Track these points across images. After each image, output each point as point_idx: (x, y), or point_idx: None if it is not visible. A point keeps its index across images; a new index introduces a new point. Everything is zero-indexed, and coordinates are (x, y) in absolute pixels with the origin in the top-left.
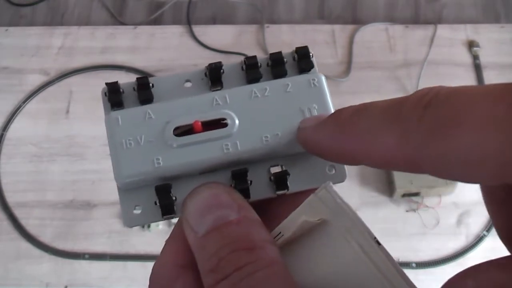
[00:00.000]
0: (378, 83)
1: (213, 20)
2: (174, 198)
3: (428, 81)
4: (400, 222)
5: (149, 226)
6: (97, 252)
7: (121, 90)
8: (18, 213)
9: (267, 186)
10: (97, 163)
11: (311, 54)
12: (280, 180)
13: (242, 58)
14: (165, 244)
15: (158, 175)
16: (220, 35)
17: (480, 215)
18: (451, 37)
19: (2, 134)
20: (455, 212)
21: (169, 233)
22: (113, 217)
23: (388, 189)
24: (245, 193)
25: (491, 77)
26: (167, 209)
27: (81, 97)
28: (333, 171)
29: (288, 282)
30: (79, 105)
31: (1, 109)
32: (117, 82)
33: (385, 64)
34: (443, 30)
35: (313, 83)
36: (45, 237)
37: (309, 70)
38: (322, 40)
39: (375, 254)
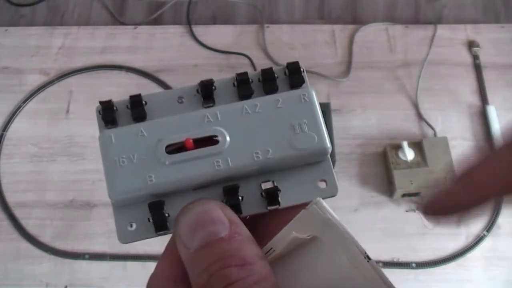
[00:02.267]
0: (378, 83)
1: (213, 20)
2: (167, 214)
3: (428, 81)
4: (400, 222)
5: None
6: (97, 252)
7: (115, 108)
8: (18, 213)
9: (259, 202)
10: (97, 163)
11: (302, 69)
12: (271, 196)
13: (233, 74)
14: (160, 259)
15: (151, 191)
16: (220, 35)
17: (480, 215)
18: (451, 37)
19: (2, 134)
20: None
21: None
22: (113, 217)
23: (388, 189)
24: (237, 208)
25: (491, 77)
26: (160, 225)
27: (81, 97)
28: (324, 185)
29: None
30: (79, 105)
31: (1, 109)
32: (110, 100)
33: (385, 64)
34: (443, 30)
35: (304, 98)
36: (45, 237)
37: (301, 85)
38: (322, 40)
39: (365, 269)
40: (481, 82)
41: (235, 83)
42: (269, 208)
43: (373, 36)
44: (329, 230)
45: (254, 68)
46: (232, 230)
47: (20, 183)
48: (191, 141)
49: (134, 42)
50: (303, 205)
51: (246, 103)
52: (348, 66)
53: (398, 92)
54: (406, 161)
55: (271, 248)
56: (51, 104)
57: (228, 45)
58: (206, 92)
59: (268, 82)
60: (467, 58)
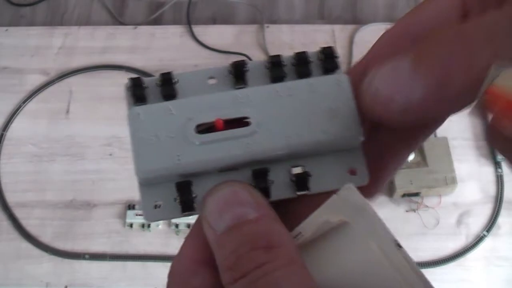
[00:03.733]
0: None
1: (213, 20)
2: (194, 195)
3: None
4: (400, 222)
5: (149, 226)
6: (97, 252)
7: (144, 85)
8: (18, 213)
9: (288, 186)
10: (97, 163)
11: (336, 55)
12: (301, 181)
13: (265, 56)
14: (184, 240)
15: (178, 171)
16: (220, 35)
17: (480, 215)
18: None
19: (2, 134)
20: (455, 212)
21: (169, 233)
22: (113, 217)
23: (388, 189)
24: (266, 192)
25: None
26: (187, 205)
27: (81, 97)
28: (355, 173)
29: (306, 281)
30: (79, 105)
31: (1, 109)
32: (140, 77)
33: None
34: None
35: (339, 83)
36: (45, 237)
37: (334, 71)
38: (322, 40)
39: (395, 256)
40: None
41: (268, 65)
42: (298, 193)
43: (373, 36)
44: (360, 216)
45: None
46: (260, 213)
47: (20, 183)
48: (221, 121)
49: (134, 42)
50: (333, 191)
51: (278, 86)
52: (348, 66)
53: None
54: (406, 161)
55: (300, 233)
56: (51, 104)
57: (228, 45)
58: (238, 73)
59: (302, 65)
60: None
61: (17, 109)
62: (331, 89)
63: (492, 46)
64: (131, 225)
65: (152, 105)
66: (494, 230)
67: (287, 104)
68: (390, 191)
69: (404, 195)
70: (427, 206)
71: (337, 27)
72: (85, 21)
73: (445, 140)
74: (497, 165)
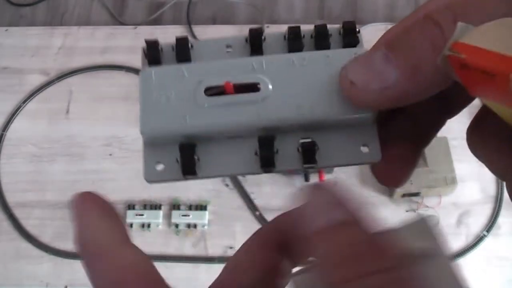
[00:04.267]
0: None
1: (213, 20)
2: (197, 158)
3: None
4: (400, 222)
5: (149, 226)
6: None
7: (160, 48)
8: (18, 213)
9: (295, 158)
10: (97, 163)
11: (358, 30)
12: (308, 152)
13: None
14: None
15: (184, 132)
16: (220, 35)
17: (480, 215)
18: None
19: (2, 134)
20: (455, 212)
21: (169, 233)
22: None
23: (388, 189)
24: (270, 161)
25: None
26: (188, 168)
27: (81, 97)
28: (367, 150)
29: None
30: (79, 105)
31: (1, 109)
32: (157, 40)
33: None
34: None
35: (355, 56)
36: (45, 237)
37: (354, 46)
38: None
39: None
40: None
41: (286, 36)
42: (304, 166)
43: (373, 36)
44: (433, 253)
45: None
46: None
47: (20, 183)
48: (231, 85)
49: (134, 42)
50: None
51: (294, 55)
52: None
53: None
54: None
55: None
56: (51, 104)
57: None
58: (255, 41)
59: (321, 38)
60: None
61: (17, 109)
62: (347, 61)
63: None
64: (131, 225)
65: (165, 66)
66: (494, 230)
67: (301, 74)
68: (390, 191)
69: (404, 195)
70: (427, 206)
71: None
72: (85, 21)
73: (445, 140)
74: None
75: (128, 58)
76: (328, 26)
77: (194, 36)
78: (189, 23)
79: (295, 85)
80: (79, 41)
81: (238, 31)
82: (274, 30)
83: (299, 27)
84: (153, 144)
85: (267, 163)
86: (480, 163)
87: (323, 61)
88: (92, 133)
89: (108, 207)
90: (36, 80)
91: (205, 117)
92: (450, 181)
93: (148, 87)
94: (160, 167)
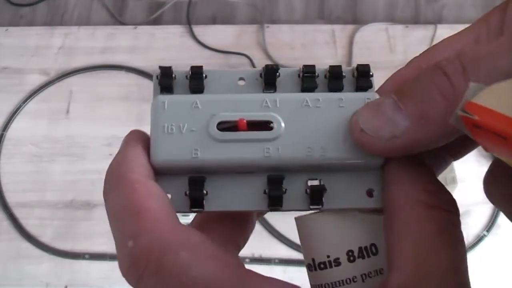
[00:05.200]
0: (378, 83)
1: (213, 20)
2: (205, 192)
3: None
4: None
5: None
6: (97, 252)
7: (173, 76)
8: (18, 213)
9: (302, 199)
10: (97, 163)
11: (371, 73)
12: (315, 195)
13: (301, 66)
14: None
15: (194, 165)
16: (220, 35)
17: (480, 215)
18: None
19: (2, 134)
20: None
21: None
22: None
23: None
24: (278, 201)
25: None
26: (196, 202)
27: (81, 97)
28: (372, 195)
29: None
30: (79, 105)
31: (1, 109)
32: (171, 67)
33: (385, 64)
34: (443, 30)
35: (367, 102)
36: (45, 237)
37: (366, 90)
38: (322, 40)
39: None
40: None
41: (301, 74)
42: (311, 207)
43: (373, 36)
44: None
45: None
46: None
47: (20, 183)
48: (244, 121)
49: (134, 42)
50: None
51: (308, 96)
52: (348, 66)
53: None
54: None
55: None
56: (51, 104)
57: (228, 45)
58: (270, 77)
59: (335, 79)
60: None
61: (17, 109)
62: (360, 106)
63: (466, 76)
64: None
65: (178, 95)
66: (494, 230)
67: (314, 116)
68: None
69: None
70: None
71: (337, 27)
72: (85, 21)
73: None
74: None
75: (128, 58)
76: (343, 67)
77: (194, 36)
78: (189, 23)
79: (307, 126)
80: (79, 41)
81: (238, 31)
82: (289, 68)
83: (314, 66)
84: (162, 174)
85: (275, 203)
86: (480, 163)
87: (336, 104)
88: (92, 133)
89: (146, 145)
90: (36, 80)
91: (217, 152)
92: (450, 181)
93: (160, 116)
94: (168, 197)
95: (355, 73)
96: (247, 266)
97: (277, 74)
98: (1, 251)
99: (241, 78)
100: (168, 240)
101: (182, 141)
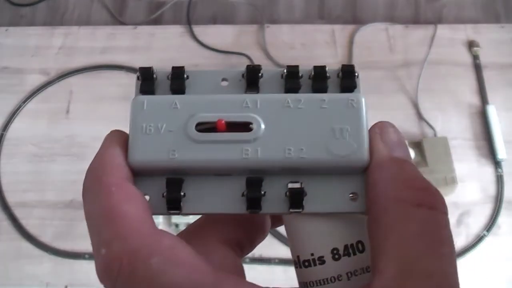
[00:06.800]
0: (378, 83)
1: (213, 20)
2: (183, 194)
3: (428, 81)
4: None
5: None
6: None
7: (155, 77)
8: (18, 213)
9: (281, 202)
10: None
11: (356, 74)
12: (295, 198)
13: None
14: (109, 146)
15: (171, 166)
16: (220, 35)
17: (480, 215)
18: (451, 37)
19: (2, 134)
20: (455, 212)
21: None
22: None
23: None
24: (257, 203)
25: (491, 77)
26: (173, 203)
27: (81, 97)
28: (355, 199)
29: None
30: (79, 105)
31: (1, 109)
32: (151, 67)
33: (385, 64)
34: (443, 30)
35: (352, 103)
36: (45, 237)
37: (352, 90)
38: (322, 40)
39: None
40: (481, 82)
41: (284, 75)
42: (291, 210)
43: (373, 36)
44: None
45: None
46: None
47: (20, 183)
48: (223, 122)
49: (134, 42)
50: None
51: (289, 96)
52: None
53: (398, 92)
54: None
55: None
56: (51, 104)
57: (228, 45)
58: (252, 78)
59: (319, 80)
60: (467, 58)
61: (17, 109)
62: (343, 108)
63: None
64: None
65: (158, 96)
66: (494, 230)
67: (294, 117)
68: None
69: None
70: None
71: (337, 27)
72: (85, 21)
73: (445, 140)
74: (497, 165)
75: (128, 58)
76: (327, 67)
77: (194, 36)
78: (189, 23)
79: (287, 128)
80: (79, 41)
81: (238, 31)
82: (272, 68)
83: (297, 66)
84: (139, 175)
85: (253, 205)
86: (480, 163)
87: (318, 105)
88: (92, 133)
89: (126, 145)
90: (36, 80)
91: (195, 153)
92: (450, 181)
93: (139, 116)
94: (146, 198)
95: (340, 74)
96: (247, 266)
97: (260, 74)
98: (1, 251)
99: (224, 79)
100: (140, 247)
101: (160, 141)
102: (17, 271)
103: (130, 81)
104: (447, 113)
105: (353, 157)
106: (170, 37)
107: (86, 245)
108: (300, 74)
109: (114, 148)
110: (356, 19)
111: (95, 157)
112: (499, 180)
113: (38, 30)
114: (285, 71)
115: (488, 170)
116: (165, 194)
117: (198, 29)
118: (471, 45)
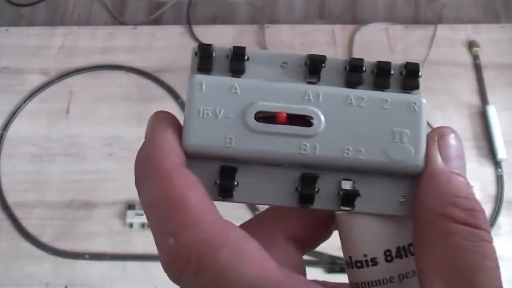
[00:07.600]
0: None
1: (213, 20)
2: (236, 183)
3: (428, 81)
4: None
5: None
6: (97, 252)
7: (214, 55)
8: (18, 213)
9: (333, 199)
10: (97, 163)
11: (420, 74)
12: (348, 198)
13: (347, 57)
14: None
15: (227, 154)
16: (220, 35)
17: None
18: (451, 37)
19: (2, 134)
20: None
21: None
22: (113, 217)
23: None
24: (310, 199)
25: (491, 77)
26: (225, 191)
27: (81, 97)
28: (404, 202)
29: None
30: (79, 105)
31: (1, 109)
32: (211, 44)
33: None
34: (443, 30)
35: (414, 107)
36: (45, 237)
37: (413, 90)
38: (322, 40)
39: None
40: (481, 82)
41: (347, 67)
42: (341, 208)
43: (373, 36)
44: None
45: None
46: None
47: (20, 183)
48: (285, 115)
49: (134, 42)
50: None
51: (352, 92)
52: None
53: None
54: None
55: None
56: (51, 104)
57: (228, 45)
58: (314, 67)
59: (382, 76)
60: (467, 58)
61: (17, 109)
62: (405, 110)
63: None
64: (131, 225)
65: (217, 77)
66: (494, 230)
67: (355, 115)
68: None
69: None
70: None
71: (337, 27)
72: (85, 21)
73: None
74: (497, 165)
75: (128, 58)
76: (392, 63)
77: (194, 36)
78: (189, 23)
79: (347, 126)
80: (79, 41)
81: (238, 31)
82: (336, 58)
83: (362, 60)
84: (192, 158)
85: (305, 201)
86: (480, 163)
87: (380, 104)
88: (92, 133)
89: (178, 127)
90: (36, 80)
91: (252, 144)
92: None
93: (196, 98)
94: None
95: (404, 72)
96: None
97: (323, 65)
98: (1, 251)
99: (284, 62)
100: (208, 238)
101: (217, 127)
102: (17, 271)
103: (130, 81)
104: (447, 113)
105: (409, 164)
106: (170, 37)
107: (86, 245)
108: (364, 68)
109: (165, 131)
110: (356, 19)
111: (146, 141)
112: (499, 180)
113: (38, 30)
114: (349, 63)
115: (488, 170)
116: (218, 181)
117: (198, 29)
118: (471, 45)
